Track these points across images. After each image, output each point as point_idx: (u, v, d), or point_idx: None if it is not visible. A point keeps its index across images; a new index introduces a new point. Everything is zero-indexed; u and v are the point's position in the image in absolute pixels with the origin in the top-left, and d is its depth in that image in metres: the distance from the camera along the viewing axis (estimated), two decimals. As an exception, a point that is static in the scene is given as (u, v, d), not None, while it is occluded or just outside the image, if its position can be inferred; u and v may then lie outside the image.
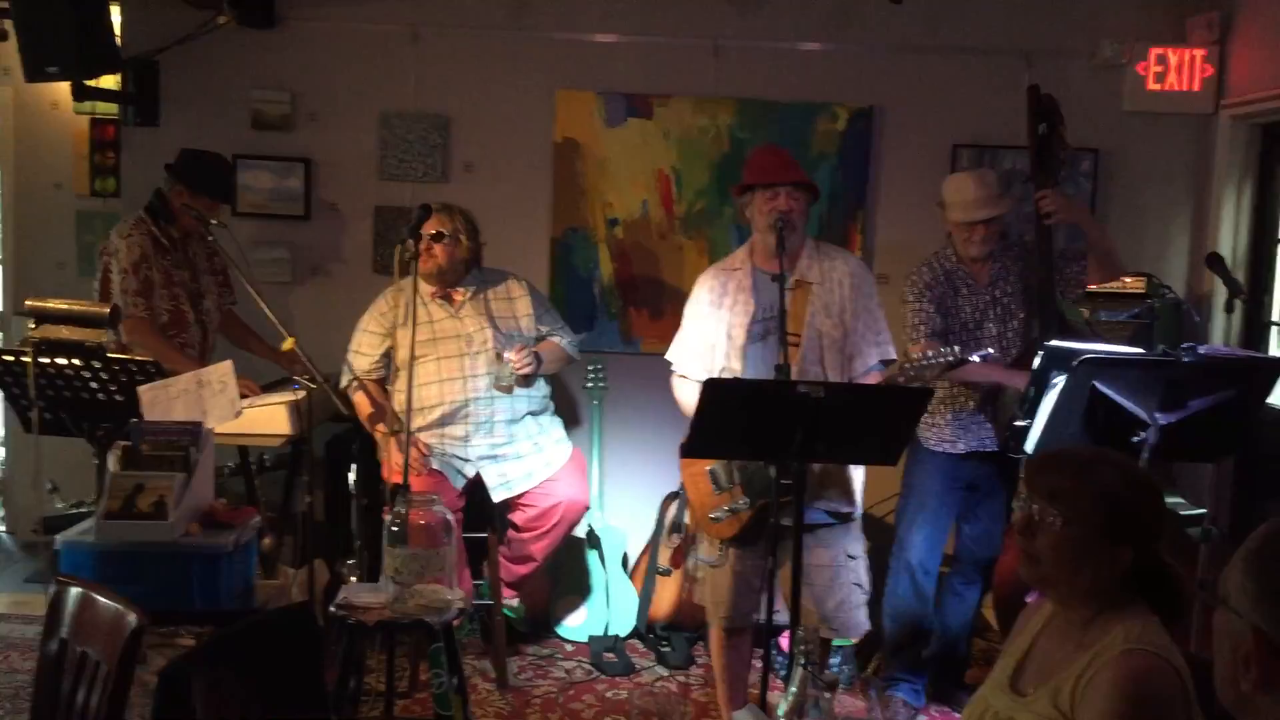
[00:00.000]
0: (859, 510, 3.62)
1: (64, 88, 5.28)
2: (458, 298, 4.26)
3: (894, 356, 3.62)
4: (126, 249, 4.28)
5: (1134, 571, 2.01)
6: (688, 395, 3.61)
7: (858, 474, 3.60)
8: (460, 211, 4.23)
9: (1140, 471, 2.08)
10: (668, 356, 3.77)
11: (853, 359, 3.54)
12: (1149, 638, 1.93)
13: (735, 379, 3.44)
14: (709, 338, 3.62)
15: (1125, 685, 1.87)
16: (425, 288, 4.25)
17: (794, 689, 1.81)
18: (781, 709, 1.84)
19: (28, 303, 3.24)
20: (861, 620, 3.60)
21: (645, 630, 4.78)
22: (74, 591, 2.35)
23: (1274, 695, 1.26)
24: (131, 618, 2.18)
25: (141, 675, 2.24)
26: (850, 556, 3.56)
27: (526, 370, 4.14)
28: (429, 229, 4.07)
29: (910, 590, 4.12)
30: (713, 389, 2.96)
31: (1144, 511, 2.02)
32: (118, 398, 3.25)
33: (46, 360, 3.16)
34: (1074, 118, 4.72)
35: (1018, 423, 3.35)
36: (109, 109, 5.29)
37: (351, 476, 4.42)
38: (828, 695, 1.82)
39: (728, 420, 3.00)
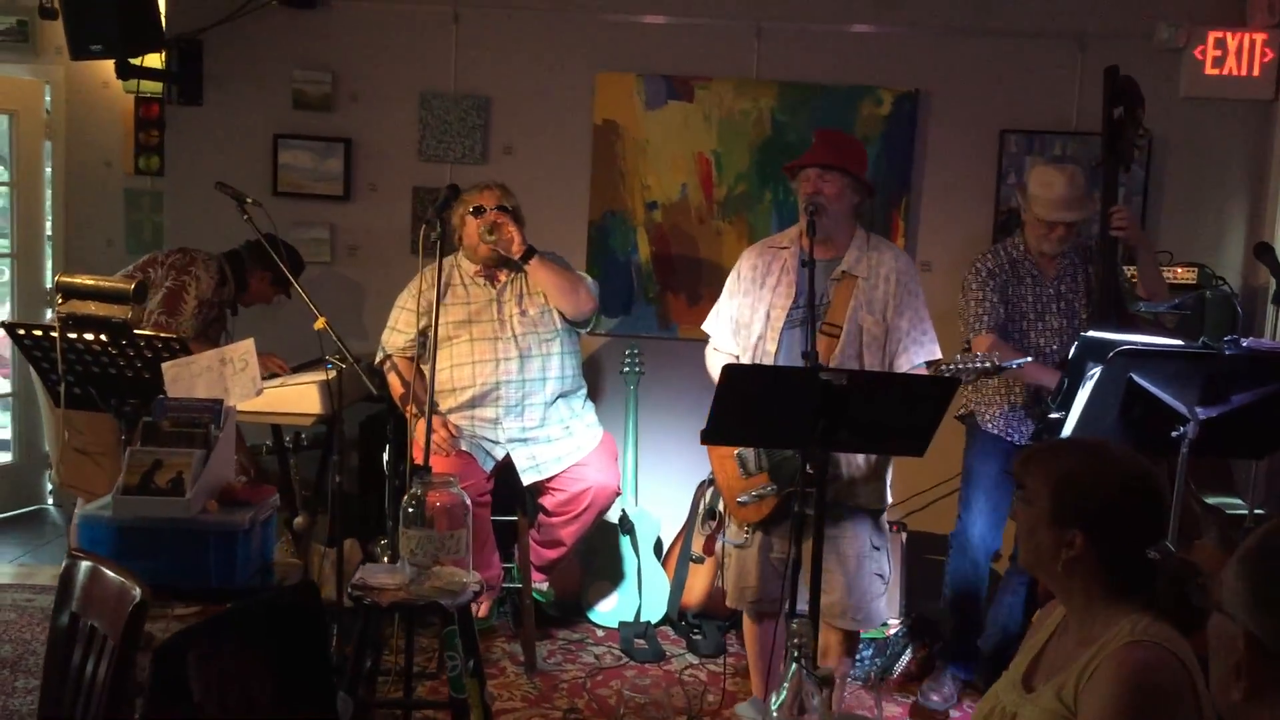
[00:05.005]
0: (887, 504, 3.58)
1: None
2: (502, 278, 4.24)
3: (939, 356, 3.52)
4: (207, 284, 4.46)
5: (1125, 569, 1.95)
6: (719, 366, 3.59)
7: (888, 472, 3.56)
8: (502, 185, 4.23)
9: (1116, 465, 2.00)
10: (704, 327, 3.75)
11: (896, 357, 3.47)
12: (1155, 631, 1.87)
13: (755, 365, 3.39)
14: (744, 315, 3.58)
15: (1126, 677, 1.82)
16: (469, 266, 4.23)
17: (786, 684, 1.76)
18: (775, 704, 1.79)
19: (58, 278, 3.27)
20: (881, 610, 3.56)
21: (677, 617, 4.75)
22: (84, 565, 2.35)
23: (1265, 704, 1.20)
24: (135, 592, 2.17)
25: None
26: (875, 547, 3.52)
27: (507, 229, 4.06)
28: (489, 201, 4.07)
29: (970, 572, 4.08)
30: (732, 375, 2.91)
31: (1095, 497, 1.97)
32: (145, 374, 3.27)
33: (74, 335, 3.18)
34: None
35: (1052, 415, 3.27)
36: (153, 87, 5.33)
37: (385, 456, 4.44)
38: (822, 691, 1.77)
39: (747, 406, 2.95)
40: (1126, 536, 1.98)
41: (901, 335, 3.46)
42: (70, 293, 3.14)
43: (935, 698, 4.04)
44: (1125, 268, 4.04)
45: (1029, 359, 3.62)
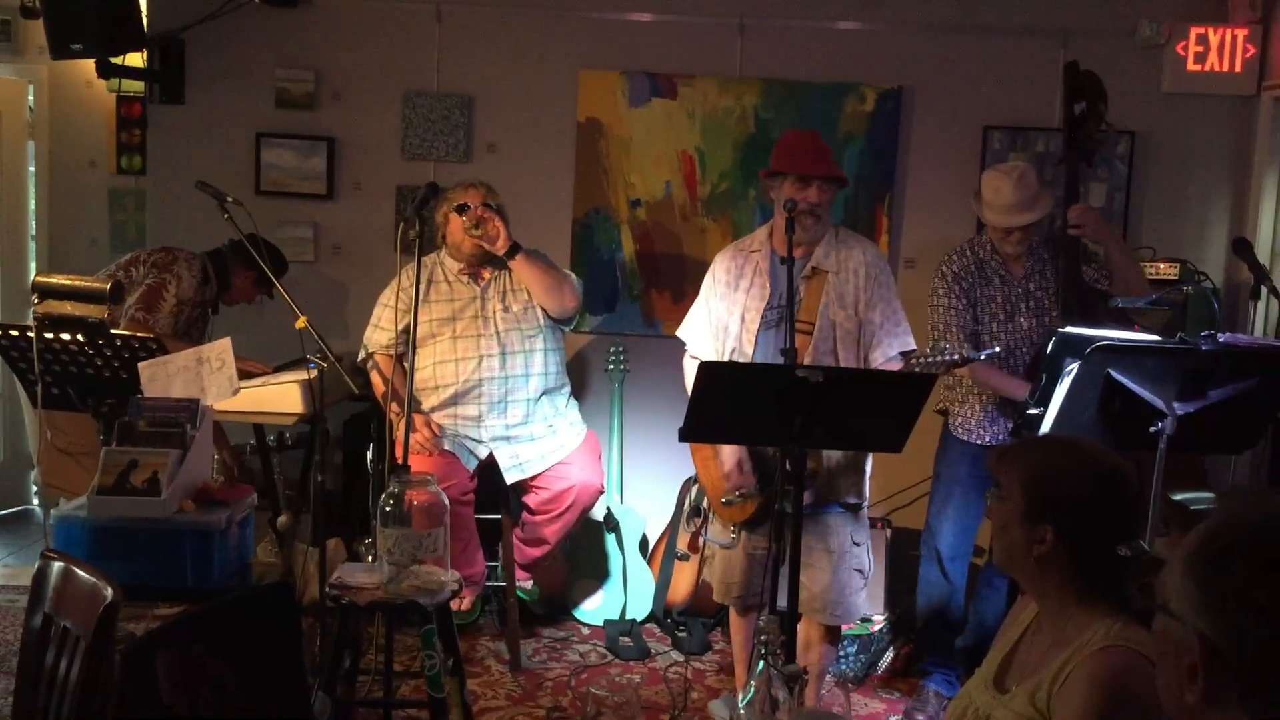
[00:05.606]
0: (866, 501, 3.58)
1: (98, 65, 5.33)
2: (486, 275, 4.24)
3: (914, 347, 3.53)
4: (188, 284, 4.43)
5: (1097, 566, 1.95)
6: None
7: (866, 466, 3.56)
8: (486, 184, 4.22)
9: (1088, 460, 2.01)
10: (679, 334, 3.74)
11: (871, 350, 3.48)
12: (1128, 635, 1.86)
13: (731, 362, 3.39)
14: (721, 318, 3.58)
15: (1101, 682, 1.81)
16: (452, 264, 4.23)
17: (754, 682, 1.76)
18: (742, 701, 1.79)
19: (34, 278, 3.26)
20: (860, 605, 3.58)
21: (662, 615, 4.75)
22: (56, 565, 2.35)
23: (1220, 707, 1.18)
24: (108, 592, 2.16)
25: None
26: (855, 543, 3.52)
27: (493, 225, 4.05)
28: (473, 199, 4.07)
29: (939, 577, 4.07)
30: (709, 372, 2.90)
31: (1066, 492, 1.98)
32: (122, 374, 3.26)
33: (50, 335, 3.17)
34: (1111, 99, 4.60)
35: (1030, 411, 3.27)
36: (135, 86, 5.31)
37: (369, 455, 4.43)
38: (789, 688, 1.77)
39: (725, 404, 2.94)
40: (1097, 532, 1.97)
41: (875, 328, 3.46)
42: (47, 293, 3.13)
43: (920, 717, 4.03)
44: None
45: (998, 349, 3.65)
